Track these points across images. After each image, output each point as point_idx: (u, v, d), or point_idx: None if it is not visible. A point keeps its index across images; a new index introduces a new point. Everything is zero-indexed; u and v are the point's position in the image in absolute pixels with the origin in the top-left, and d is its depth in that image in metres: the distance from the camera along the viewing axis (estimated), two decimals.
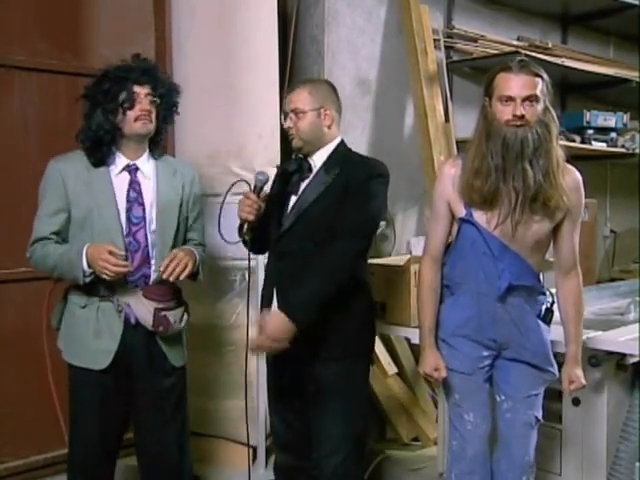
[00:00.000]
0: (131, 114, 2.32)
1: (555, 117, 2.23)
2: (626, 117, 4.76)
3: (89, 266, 2.22)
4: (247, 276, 3.28)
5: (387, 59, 4.11)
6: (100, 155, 2.33)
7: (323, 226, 2.31)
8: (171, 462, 2.47)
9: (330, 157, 2.39)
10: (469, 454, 2.34)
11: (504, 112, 2.17)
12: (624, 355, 2.65)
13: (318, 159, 2.40)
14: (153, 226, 2.36)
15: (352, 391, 2.35)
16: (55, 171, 2.34)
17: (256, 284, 3.29)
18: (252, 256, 2.96)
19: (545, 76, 2.22)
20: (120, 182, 2.35)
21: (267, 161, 3.35)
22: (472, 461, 2.34)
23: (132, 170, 2.37)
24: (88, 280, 2.25)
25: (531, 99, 2.16)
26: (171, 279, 2.30)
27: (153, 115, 2.36)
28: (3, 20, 3.19)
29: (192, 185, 2.51)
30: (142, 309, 2.33)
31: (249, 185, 2.42)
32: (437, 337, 2.40)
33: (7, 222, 3.22)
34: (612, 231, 5.49)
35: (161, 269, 2.29)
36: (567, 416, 2.77)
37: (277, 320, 2.22)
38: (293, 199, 2.40)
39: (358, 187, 2.30)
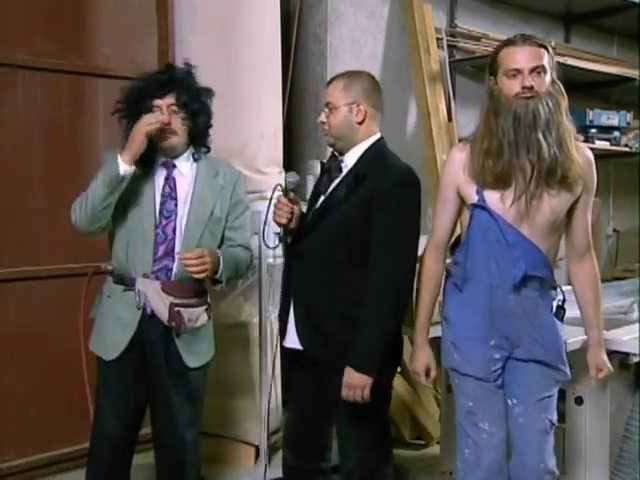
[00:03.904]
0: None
1: (563, 90, 2.18)
2: (629, 116, 4.77)
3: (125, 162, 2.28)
4: (250, 275, 3.31)
5: (390, 58, 4.11)
6: (141, 160, 2.37)
7: (342, 235, 2.28)
8: (178, 457, 2.49)
9: (362, 157, 2.32)
10: (485, 463, 2.24)
11: (512, 86, 2.12)
12: (627, 354, 2.65)
13: (350, 158, 2.33)
14: (184, 221, 2.40)
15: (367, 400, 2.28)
16: (111, 158, 2.35)
17: (259, 283, 3.30)
18: (256, 255, 2.97)
19: (550, 47, 2.18)
20: (158, 177, 2.43)
21: (270, 160, 3.36)
22: (488, 470, 2.25)
23: (169, 166, 2.43)
24: (123, 178, 2.28)
25: (538, 70, 2.12)
26: (183, 268, 2.35)
27: (177, 126, 2.37)
28: (6, 20, 3.19)
29: (235, 187, 2.52)
30: (159, 302, 2.36)
31: (281, 188, 2.39)
32: (446, 339, 2.33)
33: (10, 221, 3.22)
34: (615, 230, 5.48)
35: (180, 256, 2.34)
36: (570, 415, 2.77)
37: (351, 375, 2.22)
38: (321, 199, 2.37)
39: (383, 201, 2.22)
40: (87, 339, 2.48)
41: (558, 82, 2.18)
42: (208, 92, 2.47)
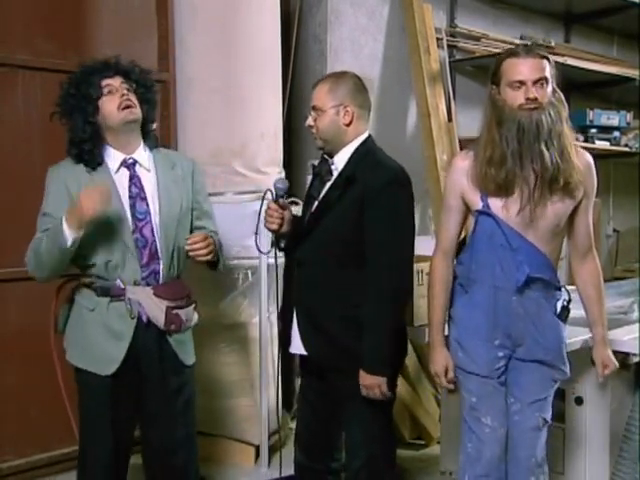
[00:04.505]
0: (111, 105, 2.28)
1: (563, 98, 2.23)
2: (629, 116, 4.76)
3: (73, 229, 2.16)
4: (250, 275, 3.31)
5: (390, 58, 4.11)
6: (90, 157, 2.30)
7: (338, 237, 2.29)
8: (179, 460, 2.45)
9: (351, 158, 2.33)
10: (486, 457, 2.31)
11: (516, 97, 2.16)
12: (627, 354, 2.65)
13: (340, 160, 2.34)
14: (157, 219, 2.33)
15: (370, 400, 2.30)
16: (57, 178, 2.32)
17: (259, 283, 3.30)
18: (255, 255, 2.98)
19: (551, 58, 2.23)
20: (120, 179, 2.33)
21: (270, 160, 3.36)
22: (488, 464, 2.31)
23: (130, 165, 2.34)
24: (73, 246, 2.18)
25: (541, 81, 2.17)
26: (191, 254, 2.29)
27: (134, 100, 2.33)
28: (6, 20, 3.19)
29: (193, 176, 2.47)
30: (154, 308, 2.30)
31: (271, 194, 2.38)
32: (451, 337, 2.37)
33: (10, 221, 3.22)
34: (615, 230, 5.48)
35: (188, 241, 2.28)
36: (570, 415, 2.77)
37: (365, 378, 2.25)
38: (315, 203, 2.37)
39: (374, 201, 2.23)
40: (58, 345, 2.39)
41: (558, 91, 2.23)
42: (150, 72, 2.47)
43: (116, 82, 2.31)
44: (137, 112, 2.32)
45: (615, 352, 2.62)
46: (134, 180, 2.33)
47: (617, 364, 2.38)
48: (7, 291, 3.22)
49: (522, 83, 2.16)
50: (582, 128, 4.58)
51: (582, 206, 2.28)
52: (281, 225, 2.35)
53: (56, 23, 3.31)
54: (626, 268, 5.23)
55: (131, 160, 2.35)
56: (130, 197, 2.31)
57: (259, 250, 2.48)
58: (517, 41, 4.57)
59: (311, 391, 2.47)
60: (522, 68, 2.16)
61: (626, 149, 4.78)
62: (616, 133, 4.73)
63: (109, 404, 2.32)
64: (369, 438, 2.36)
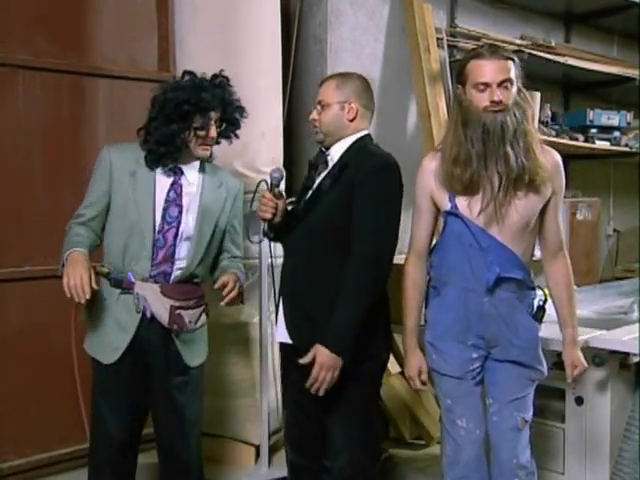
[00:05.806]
0: (198, 140, 2.39)
1: (529, 98, 2.25)
2: (629, 116, 4.76)
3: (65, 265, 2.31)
4: (251, 275, 3.31)
5: (390, 58, 4.11)
6: (158, 165, 2.40)
7: (328, 223, 2.31)
8: (183, 457, 2.51)
9: (347, 151, 2.38)
10: (463, 459, 2.31)
11: (481, 99, 2.17)
12: (627, 354, 2.65)
13: (336, 152, 2.39)
14: (188, 231, 2.40)
15: (355, 393, 2.31)
16: (106, 158, 2.42)
17: (259, 283, 3.30)
18: (256, 255, 2.99)
19: (516, 58, 2.23)
20: (163, 181, 2.41)
21: (270, 160, 3.36)
22: (466, 466, 2.31)
23: (177, 172, 2.43)
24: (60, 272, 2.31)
25: (506, 83, 2.17)
26: (224, 303, 2.40)
27: (214, 138, 2.44)
28: (6, 20, 3.19)
29: (236, 199, 2.55)
30: (159, 306, 2.37)
31: (266, 183, 2.42)
32: (425, 340, 2.38)
33: (10, 221, 3.22)
34: (615, 230, 5.48)
35: (224, 294, 2.38)
36: (570, 415, 2.77)
37: (323, 354, 2.23)
38: (309, 193, 2.42)
39: (363, 185, 2.27)
40: (78, 341, 2.47)
41: (524, 91, 2.24)
42: (243, 110, 2.53)
43: (215, 116, 2.40)
44: (209, 153, 2.44)
45: (615, 352, 2.64)
46: (175, 186, 2.42)
47: (586, 364, 2.37)
48: (7, 291, 3.22)
49: (487, 85, 2.16)
50: (582, 128, 4.57)
51: (551, 204, 2.28)
52: (275, 215, 2.37)
53: (56, 23, 3.31)
54: (626, 268, 5.23)
55: (179, 170, 2.43)
56: (166, 200, 2.39)
57: (249, 240, 2.50)
58: (517, 41, 4.57)
59: (297, 387, 2.45)
60: (486, 70, 2.17)
61: (626, 149, 4.77)
62: (616, 133, 4.72)
63: (114, 392, 2.40)
64: (352, 437, 2.36)
